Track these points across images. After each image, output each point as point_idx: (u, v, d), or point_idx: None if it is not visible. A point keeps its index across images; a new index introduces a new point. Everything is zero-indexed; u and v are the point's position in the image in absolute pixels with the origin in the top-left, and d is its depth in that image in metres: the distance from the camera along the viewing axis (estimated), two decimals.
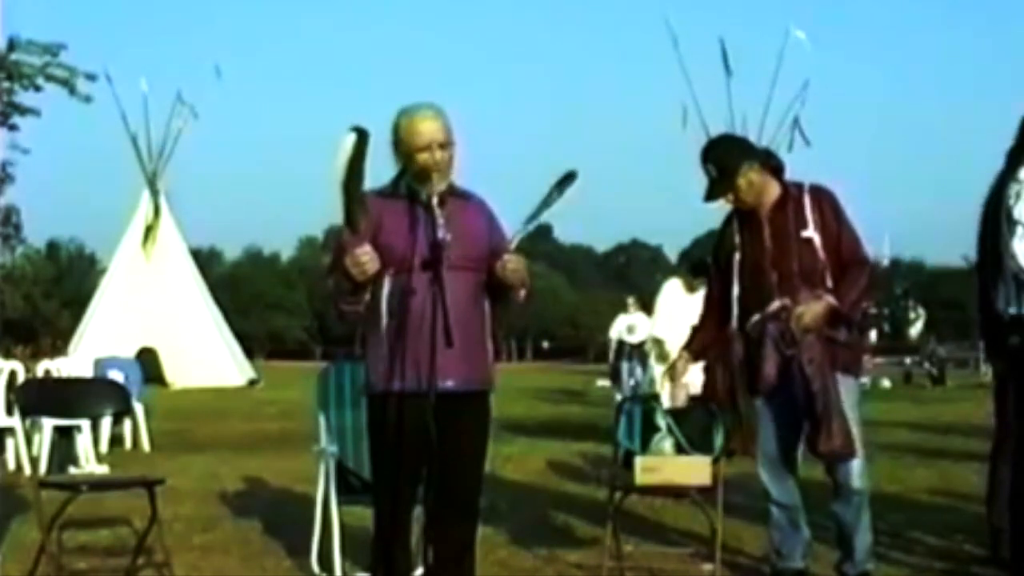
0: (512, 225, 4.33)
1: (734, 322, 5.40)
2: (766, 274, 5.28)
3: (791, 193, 5.34)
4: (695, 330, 5.64)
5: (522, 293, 4.34)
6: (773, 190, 5.36)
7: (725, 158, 5.34)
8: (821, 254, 5.25)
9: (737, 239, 5.39)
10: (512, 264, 4.20)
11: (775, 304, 5.22)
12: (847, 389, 5.23)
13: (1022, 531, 5.42)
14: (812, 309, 5.16)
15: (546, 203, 4.24)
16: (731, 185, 5.29)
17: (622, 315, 21.40)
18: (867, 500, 5.33)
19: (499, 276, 4.22)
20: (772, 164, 5.49)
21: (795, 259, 5.24)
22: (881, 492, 8.08)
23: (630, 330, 20.13)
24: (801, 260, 5.24)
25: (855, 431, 5.17)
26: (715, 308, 5.53)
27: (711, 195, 5.37)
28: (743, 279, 5.36)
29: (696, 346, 5.57)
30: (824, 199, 5.34)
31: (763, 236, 5.31)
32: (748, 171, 5.29)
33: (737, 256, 5.37)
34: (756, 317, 5.28)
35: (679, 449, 5.64)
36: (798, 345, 5.15)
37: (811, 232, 5.26)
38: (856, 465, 5.22)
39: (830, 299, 5.18)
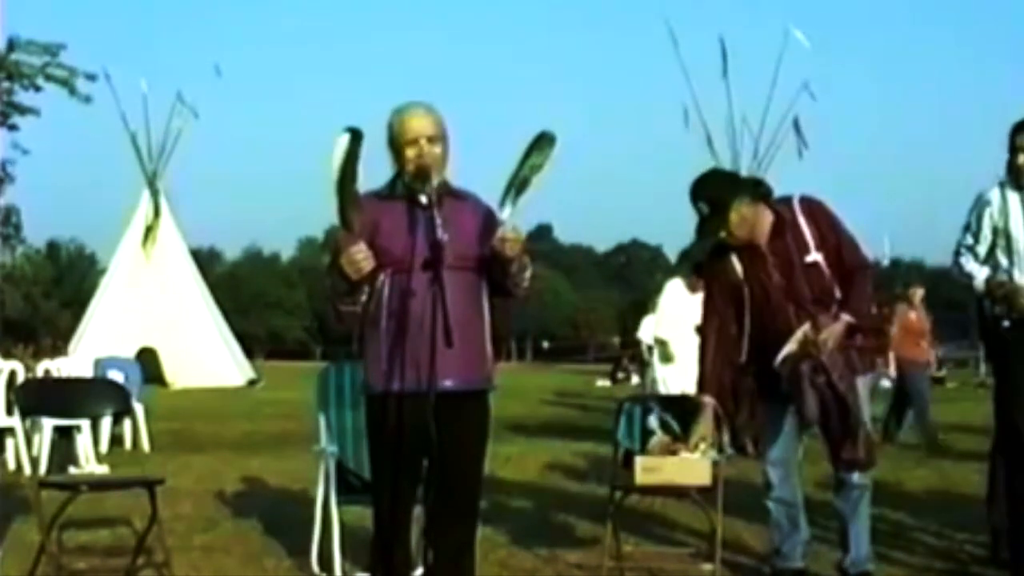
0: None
1: (743, 352, 5.38)
2: (782, 306, 5.27)
3: (784, 217, 5.31)
4: (703, 371, 5.44)
5: (526, 275, 4.31)
6: (766, 220, 5.33)
7: (715, 194, 5.31)
8: (827, 273, 5.26)
9: (741, 273, 5.35)
10: (509, 235, 4.16)
11: (798, 333, 5.21)
12: (861, 386, 5.29)
13: (1020, 530, 5.45)
14: (834, 333, 5.19)
15: (532, 168, 4.17)
16: (723, 221, 5.27)
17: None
18: (868, 495, 5.36)
19: (497, 250, 4.18)
20: (761, 192, 5.48)
21: (805, 286, 5.26)
22: (881, 492, 8.09)
23: None
24: (811, 285, 5.26)
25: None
26: (722, 344, 5.40)
27: (703, 232, 5.35)
28: (755, 313, 5.33)
29: (712, 389, 5.42)
30: (817, 214, 5.32)
31: (768, 268, 5.30)
32: (739, 205, 5.26)
33: (746, 291, 5.34)
34: (784, 353, 5.23)
35: (668, 434, 5.64)
36: (826, 369, 5.18)
37: (814, 255, 5.26)
38: None
39: (847, 318, 5.21)
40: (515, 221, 4.19)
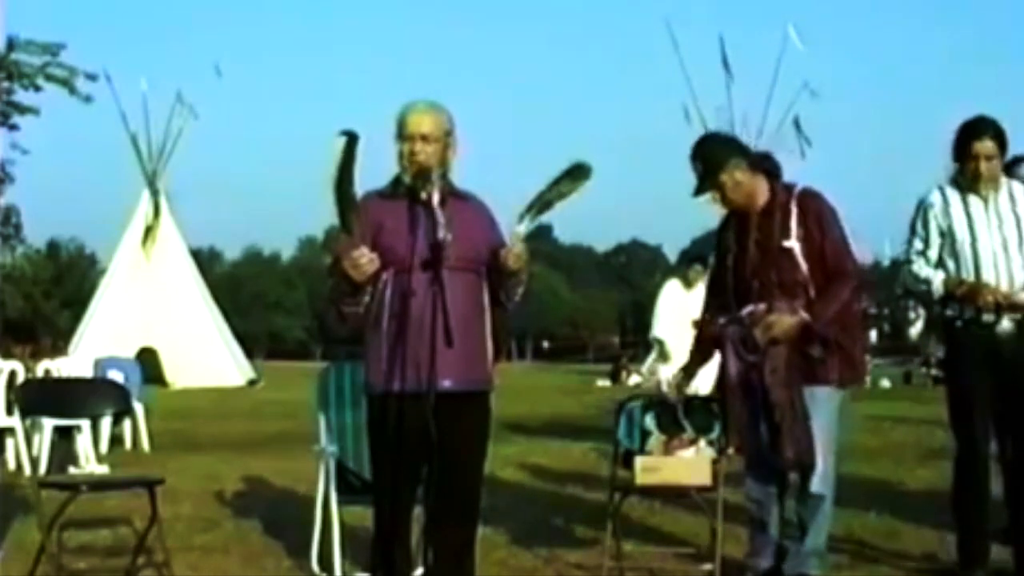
0: (511, 225, 4.31)
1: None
2: (748, 282, 5.28)
3: (779, 199, 5.29)
4: (698, 330, 5.64)
5: (519, 290, 4.34)
6: (763, 193, 5.33)
7: (711, 154, 5.32)
8: (802, 265, 5.22)
9: (732, 241, 5.38)
10: (517, 249, 4.21)
11: (747, 308, 5.22)
12: (821, 398, 5.23)
13: (967, 536, 5.59)
14: (783, 322, 5.15)
15: (559, 194, 4.21)
16: (715, 182, 5.27)
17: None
18: (826, 505, 5.33)
19: (502, 263, 4.21)
20: (766, 167, 5.47)
21: (774, 269, 5.23)
22: (881, 492, 8.09)
23: None
24: (780, 271, 5.22)
25: (823, 439, 5.19)
26: (714, 304, 5.52)
27: (697, 191, 5.36)
28: (734, 283, 5.37)
29: (703, 347, 5.55)
30: (810, 207, 5.28)
31: (748, 243, 5.31)
32: (734, 169, 5.26)
33: (730, 258, 5.38)
34: (722, 320, 5.29)
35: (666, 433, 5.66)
36: (761, 353, 5.15)
37: (792, 242, 5.23)
38: (818, 468, 5.22)
39: (804, 316, 5.16)
40: (523, 237, 4.23)
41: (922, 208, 5.54)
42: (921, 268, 5.54)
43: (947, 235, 5.48)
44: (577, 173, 4.23)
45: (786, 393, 5.13)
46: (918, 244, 5.55)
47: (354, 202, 4.16)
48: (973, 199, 5.46)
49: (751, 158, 5.42)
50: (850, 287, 5.28)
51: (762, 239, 5.27)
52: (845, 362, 5.31)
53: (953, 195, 5.50)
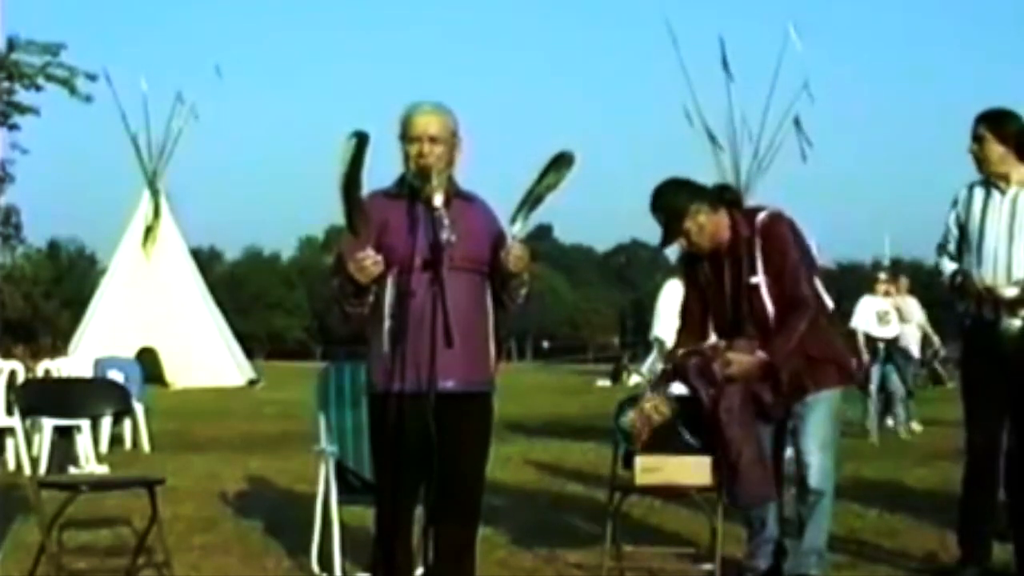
0: (507, 227, 4.31)
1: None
2: (725, 318, 5.32)
3: (743, 234, 5.28)
4: (674, 349, 5.55)
5: (522, 292, 4.34)
6: (728, 228, 5.31)
7: (670, 204, 5.28)
8: (767, 299, 5.22)
9: (709, 277, 5.38)
10: (516, 251, 4.19)
11: (708, 342, 5.25)
12: (818, 398, 5.27)
13: (969, 528, 5.57)
14: (741, 361, 5.16)
15: (547, 187, 4.19)
16: (680, 230, 5.26)
17: (867, 297, 13.97)
18: (826, 501, 5.34)
19: (502, 263, 4.21)
20: (727, 199, 5.46)
21: (745, 305, 5.25)
22: (881, 492, 8.10)
23: (881, 319, 13.74)
24: (752, 306, 5.23)
25: (819, 436, 5.25)
26: (693, 328, 5.48)
27: (664, 242, 5.37)
28: (713, 317, 5.41)
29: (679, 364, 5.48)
30: (772, 235, 5.26)
31: (723, 280, 5.32)
32: (696, 214, 5.24)
33: (709, 293, 5.40)
34: (682, 351, 5.32)
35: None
36: (718, 387, 5.16)
37: (758, 278, 5.23)
38: (816, 464, 5.26)
39: (761, 355, 5.16)
40: (523, 236, 4.21)
41: (952, 203, 5.67)
42: (942, 260, 5.67)
43: (965, 230, 5.59)
44: (561, 163, 4.21)
45: (741, 432, 5.15)
46: (942, 238, 5.70)
47: (360, 204, 4.15)
48: (995, 195, 5.54)
49: (711, 197, 5.38)
50: (806, 316, 5.23)
51: (733, 276, 5.28)
52: (836, 364, 5.38)
53: (979, 191, 5.59)
